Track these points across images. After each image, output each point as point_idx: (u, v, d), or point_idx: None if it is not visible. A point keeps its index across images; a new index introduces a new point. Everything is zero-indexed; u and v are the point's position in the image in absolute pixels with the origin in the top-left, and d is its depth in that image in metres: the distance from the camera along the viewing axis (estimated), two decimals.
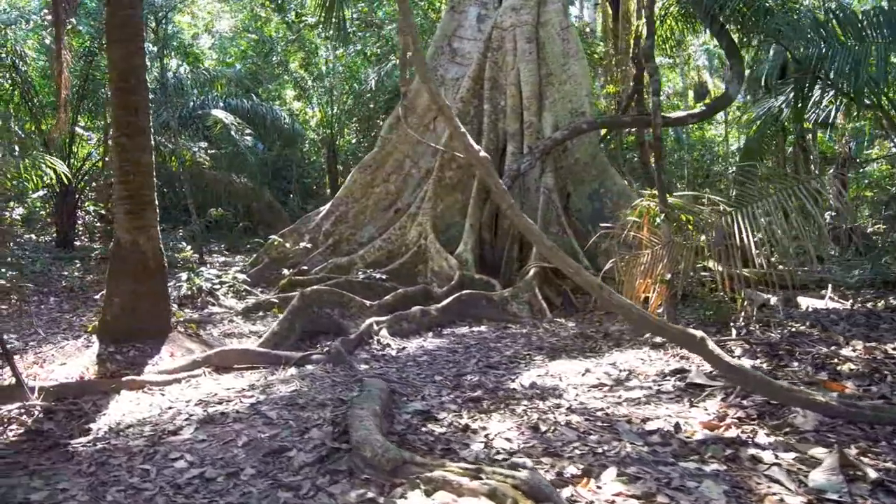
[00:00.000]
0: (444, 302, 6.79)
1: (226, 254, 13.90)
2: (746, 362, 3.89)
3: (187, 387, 4.41)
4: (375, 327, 5.90)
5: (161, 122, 11.57)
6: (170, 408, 3.85)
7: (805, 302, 6.15)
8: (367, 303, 6.44)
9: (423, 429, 3.11)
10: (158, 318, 5.48)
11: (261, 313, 7.70)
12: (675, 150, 17.42)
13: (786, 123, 9.85)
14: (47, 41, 10.51)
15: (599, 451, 2.69)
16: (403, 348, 5.66)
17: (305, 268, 9.57)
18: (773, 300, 5.97)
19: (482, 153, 3.34)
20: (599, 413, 3.27)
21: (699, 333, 2.86)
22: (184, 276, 8.24)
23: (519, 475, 2.11)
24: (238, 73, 16.39)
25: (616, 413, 3.24)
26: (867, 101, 5.64)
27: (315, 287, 6.15)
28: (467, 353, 5.38)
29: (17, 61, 9.76)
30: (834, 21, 5.33)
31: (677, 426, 2.90)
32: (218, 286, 8.98)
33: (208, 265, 10.63)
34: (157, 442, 3.15)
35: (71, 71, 10.59)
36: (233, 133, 11.96)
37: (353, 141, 19.82)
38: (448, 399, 3.72)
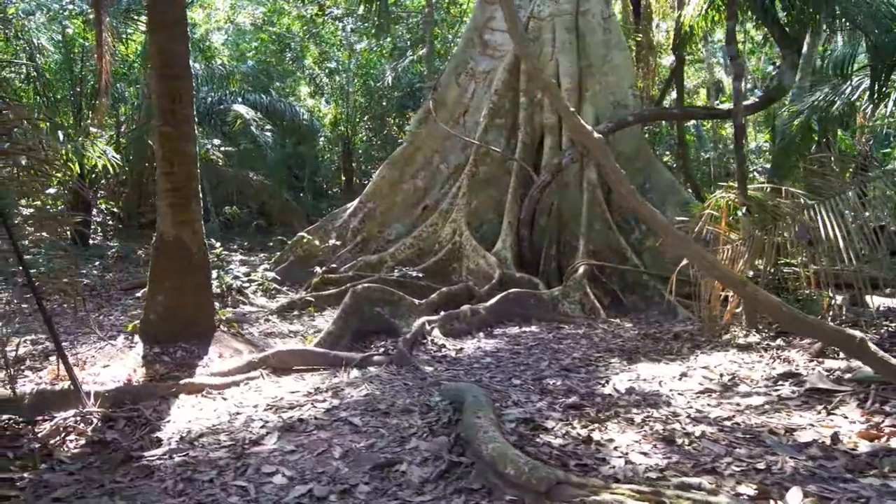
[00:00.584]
0: (492, 301, 6.48)
1: (241, 252, 13.57)
2: (859, 364, 3.58)
3: (248, 390, 4.09)
4: (428, 327, 5.59)
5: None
6: (238, 413, 3.53)
7: (874, 301, 5.85)
8: (417, 301, 6.12)
9: (538, 440, 2.80)
10: (203, 317, 5.16)
11: (296, 312, 7.38)
12: (697, 147, 17.14)
13: (812, 122, 9.58)
14: (70, 31, 10.15)
15: (760, 466, 2.38)
16: (461, 349, 5.35)
17: (335, 266, 9.25)
18: (839, 299, 5.67)
19: (596, 134, 3.03)
20: (727, 423, 2.96)
21: (858, 334, 2.57)
22: (213, 273, 7.92)
23: (714, 499, 1.80)
24: (252, 68, 16.05)
25: (747, 423, 2.94)
26: None
27: (366, 285, 5.83)
28: (531, 355, 5.07)
29: (35, 54, 9.42)
30: None
31: (835, 437, 2.60)
32: (247, 284, 8.67)
33: (226, 264, 10.33)
34: (243, 454, 2.83)
35: (85, 66, 10.27)
36: (253, 129, 11.63)
37: (365, 139, 19.52)
38: (543, 405, 3.41)
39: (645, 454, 2.57)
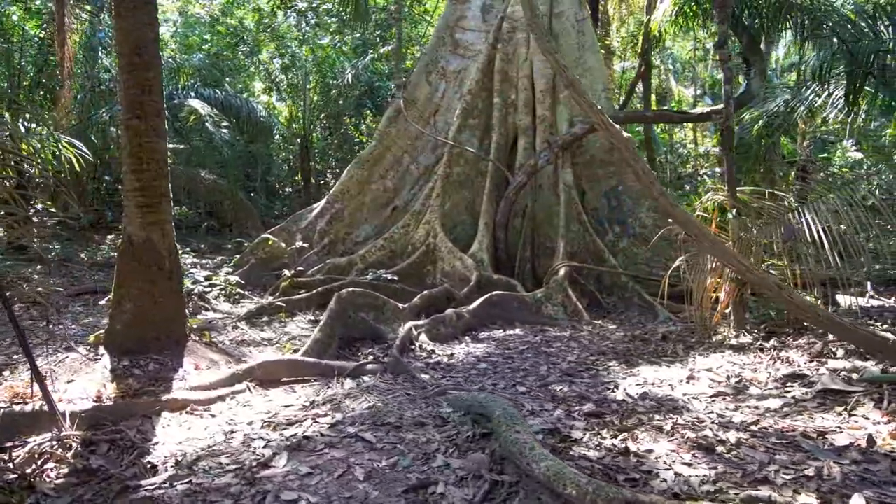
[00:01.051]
0: (476, 304, 6.35)
1: (193, 255, 12.92)
2: (864, 364, 3.65)
3: (236, 405, 3.80)
4: (415, 332, 5.40)
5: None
6: (232, 432, 3.25)
7: (844, 300, 6.05)
8: (401, 306, 5.91)
9: (571, 452, 2.67)
10: (175, 326, 4.79)
11: (265, 318, 7.03)
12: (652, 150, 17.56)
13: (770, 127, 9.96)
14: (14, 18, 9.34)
15: (809, 473, 2.33)
16: (451, 355, 5.18)
17: (302, 269, 8.90)
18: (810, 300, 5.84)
19: (625, 133, 2.94)
20: (755, 427, 2.92)
21: (891, 337, 2.57)
22: None
23: None
24: (202, 62, 15.34)
25: (774, 427, 2.90)
26: None
27: (351, 289, 5.57)
28: (525, 360, 4.96)
29: None
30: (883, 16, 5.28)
31: (871, 439, 2.59)
32: (208, 289, 8.22)
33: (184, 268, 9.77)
34: (254, 480, 2.57)
35: (26, 58, 9.49)
36: (209, 125, 11.07)
37: (322, 138, 19.04)
38: (561, 414, 3.29)
39: (688, 465, 2.48)
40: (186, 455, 2.89)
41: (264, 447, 2.97)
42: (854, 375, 3.48)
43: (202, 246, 12.87)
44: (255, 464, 2.74)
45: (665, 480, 2.31)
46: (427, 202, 8.77)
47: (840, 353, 4.02)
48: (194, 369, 4.57)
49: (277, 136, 17.15)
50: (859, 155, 16.34)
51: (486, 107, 8.90)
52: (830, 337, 4.16)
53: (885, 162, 13.26)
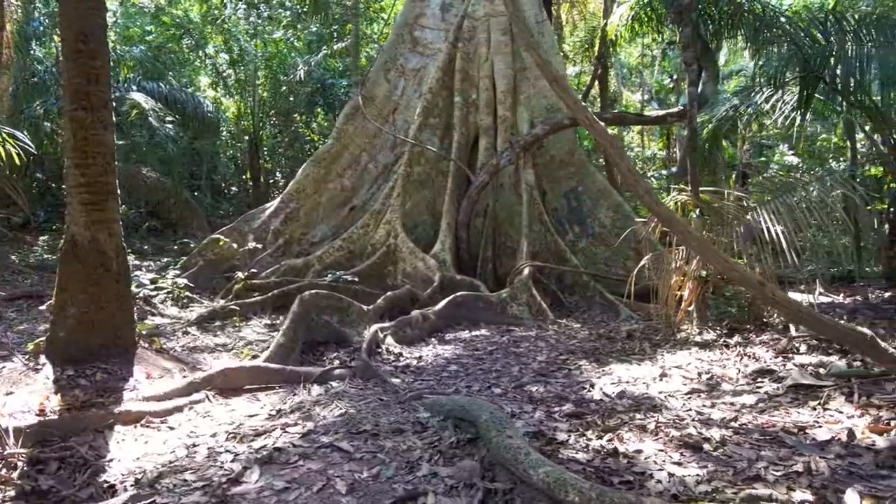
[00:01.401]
0: (441, 305, 6.25)
1: (133, 256, 12.26)
2: (829, 359, 3.75)
3: (196, 416, 3.56)
4: (381, 335, 5.25)
5: (60, 106, 9.94)
6: (194, 446, 3.03)
7: (798, 298, 6.28)
8: (366, 308, 5.74)
9: (560, 455, 2.60)
10: (123, 332, 4.47)
11: (218, 322, 6.71)
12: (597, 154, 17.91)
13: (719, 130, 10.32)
14: None
15: (798, 469, 2.34)
16: (420, 357, 5.06)
17: (255, 270, 8.57)
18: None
19: (610, 132, 2.90)
20: (735, 424, 2.94)
21: (868, 332, 2.63)
22: None
23: None
24: (143, 54, 14.61)
25: (754, 423, 2.93)
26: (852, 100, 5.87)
27: (313, 291, 5.35)
28: (496, 361, 4.89)
29: None
30: (834, 23, 5.52)
31: (851, 433, 2.63)
32: (154, 293, 7.80)
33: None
34: (225, 498, 2.38)
35: None
36: (152, 120, 10.53)
37: (271, 135, 18.50)
38: (542, 416, 3.22)
39: (679, 464, 2.46)
40: (147, 472, 2.66)
41: (232, 461, 2.77)
42: (821, 370, 3.57)
43: (145, 247, 12.27)
44: (224, 480, 2.55)
45: (660, 481, 2.27)
46: (387, 202, 8.61)
47: (803, 348, 4.14)
48: (146, 378, 4.28)
49: (225, 133, 16.55)
50: (795, 159, 17.19)
51: (447, 106, 8.82)
52: (793, 333, 4.28)
53: (820, 166, 13.96)
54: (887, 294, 6.02)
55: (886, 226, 6.28)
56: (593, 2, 17.56)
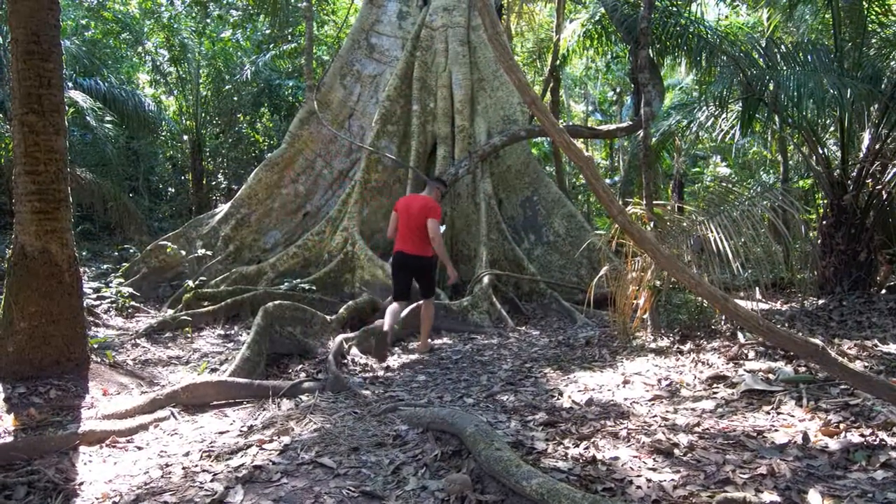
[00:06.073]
0: (402, 314, 6.26)
1: None
2: (776, 365, 4.03)
3: (162, 434, 3.47)
4: (346, 346, 5.23)
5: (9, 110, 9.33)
6: (168, 465, 2.95)
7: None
8: (329, 318, 5.70)
9: (542, 465, 2.70)
10: (75, 347, 4.30)
11: (168, 333, 6.50)
12: (547, 163, 18.38)
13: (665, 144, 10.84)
14: None
15: (762, 471, 2.52)
16: (387, 367, 5.07)
17: (204, 278, 8.32)
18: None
19: (587, 154, 3.02)
20: (699, 429, 3.12)
21: (819, 343, 2.85)
22: None
23: None
24: (79, 49, 13.88)
25: (716, 428, 3.12)
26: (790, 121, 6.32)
27: (277, 302, 5.25)
28: (462, 370, 4.97)
29: None
30: (775, 49, 5.92)
31: (806, 436, 2.84)
32: (97, 302, 7.45)
33: None
34: None
35: None
36: (91, 120, 10.03)
37: (214, 136, 17.95)
38: (517, 425, 3.32)
39: (654, 470, 2.59)
40: (123, 495, 2.58)
41: (212, 481, 2.72)
42: (771, 376, 3.84)
43: (82, 252, 11.65)
44: (207, 501, 2.50)
45: (640, 487, 2.40)
46: (343, 208, 8.56)
47: (752, 354, 4.42)
48: (102, 395, 4.12)
49: (164, 133, 15.93)
50: (727, 170, 18.19)
51: (405, 114, 8.85)
52: (741, 339, 4.56)
53: (751, 177, 14.86)
54: (821, 301, 6.49)
55: (819, 237, 6.77)
56: (540, 13, 18.03)
